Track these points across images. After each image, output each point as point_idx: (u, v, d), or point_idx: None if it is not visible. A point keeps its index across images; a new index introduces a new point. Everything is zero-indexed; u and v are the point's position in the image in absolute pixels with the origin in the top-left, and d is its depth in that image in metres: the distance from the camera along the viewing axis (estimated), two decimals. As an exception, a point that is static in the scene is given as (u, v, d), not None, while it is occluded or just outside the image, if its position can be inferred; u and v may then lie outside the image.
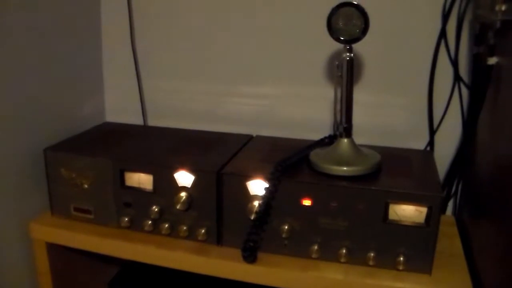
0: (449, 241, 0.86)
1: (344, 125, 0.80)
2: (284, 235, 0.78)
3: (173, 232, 0.85)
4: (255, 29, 1.04)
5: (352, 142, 0.81)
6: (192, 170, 0.82)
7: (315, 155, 0.83)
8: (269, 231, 0.80)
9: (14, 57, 0.90)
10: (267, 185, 0.77)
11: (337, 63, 0.80)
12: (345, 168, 0.78)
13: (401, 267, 0.75)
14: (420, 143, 0.98)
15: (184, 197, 0.82)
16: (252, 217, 0.78)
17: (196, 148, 0.93)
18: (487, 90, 0.81)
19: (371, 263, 0.76)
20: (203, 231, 0.83)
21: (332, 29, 0.75)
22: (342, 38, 0.76)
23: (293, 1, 1.00)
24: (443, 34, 0.93)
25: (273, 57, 1.04)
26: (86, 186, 0.89)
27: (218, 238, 0.84)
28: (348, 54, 0.77)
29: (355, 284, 0.75)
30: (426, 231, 0.73)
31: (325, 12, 0.75)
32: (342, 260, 0.77)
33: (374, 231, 0.75)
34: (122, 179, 0.86)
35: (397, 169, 0.82)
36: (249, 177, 0.79)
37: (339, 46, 0.77)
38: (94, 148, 0.93)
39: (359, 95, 0.90)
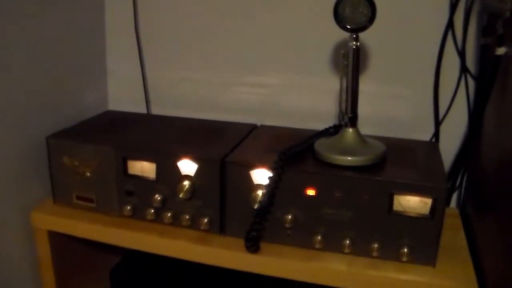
0: (453, 233, 0.85)
1: (349, 115, 0.80)
2: (287, 225, 0.78)
3: (175, 221, 0.85)
4: (260, 17, 1.03)
5: (357, 132, 0.81)
6: (195, 159, 0.81)
7: (320, 145, 0.82)
8: (272, 221, 0.79)
9: (17, 46, 0.89)
10: (271, 175, 0.76)
11: (343, 52, 0.79)
12: (349, 158, 0.77)
13: (405, 259, 0.74)
14: (425, 135, 0.98)
15: (187, 186, 0.81)
16: (256, 207, 0.77)
17: (200, 137, 0.93)
18: (494, 81, 0.80)
19: (374, 254, 0.75)
20: (206, 220, 0.82)
21: (338, 17, 0.74)
22: (348, 27, 0.75)
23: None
24: (450, 25, 0.92)
25: (278, 46, 1.03)
26: (88, 174, 0.89)
27: (221, 227, 0.83)
28: (354, 43, 0.76)
29: (358, 275, 0.75)
30: (430, 223, 0.73)
31: (332, 0, 0.74)
32: (346, 251, 0.76)
33: (378, 222, 0.75)
34: (125, 168, 0.86)
35: (402, 160, 0.81)
36: (253, 166, 0.78)
37: (345, 34, 0.76)
38: (96, 136, 0.92)
39: (364, 85, 0.90)
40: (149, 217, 0.85)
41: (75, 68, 1.05)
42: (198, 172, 0.81)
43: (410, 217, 0.73)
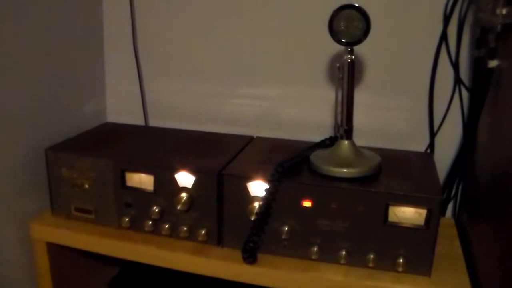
0: (449, 243, 0.86)
1: (344, 127, 0.81)
2: (284, 236, 0.79)
3: (173, 233, 0.85)
4: (257, 30, 1.04)
5: (353, 144, 0.82)
6: (192, 171, 0.82)
7: (316, 157, 0.83)
8: (269, 232, 0.80)
9: (16, 57, 0.90)
10: (267, 187, 0.77)
11: (338, 65, 0.80)
12: (345, 170, 0.78)
13: (400, 269, 0.75)
14: (420, 146, 0.99)
15: (184, 198, 0.82)
16: (252, 218, 0.78)
17: (197, 149, 0.93)
18: (488, 93, 0.81)
19: (370, 264, 0.76)
20: (203, 232, 0.83)
21: (333, 31, 0.76)
22: (343, 40, 0.76)
23: (294, 3, 1.00)
24: (444, 37, 0.93)
25: (274, 59, 1.04)
26: (87, 186, 0.89)
27: (218, 239, 0.84)
28: (349, 56, 0.77)
29: (354, 286, 0.75)
30: (425, 233, 0.73)
31: (327, 14, 0.75)
32: (342, 261, 0.77)
33: (374, 233, 0.75)
34: (123, 180, 0.86)
35: (397, 171, 0.82)
36: (249, 178, 0.79)
37: (340, 48, 0.77)
38: (95, 148, 0.93)
39: (360, 97, 0.90)
40: (147, 228, 0.86)
41: (74, 81, 1.06)
42: (195, 184, 0.82)
43: (406, 227, 0.74)
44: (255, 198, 0.79)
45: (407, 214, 0.74)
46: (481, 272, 0.75)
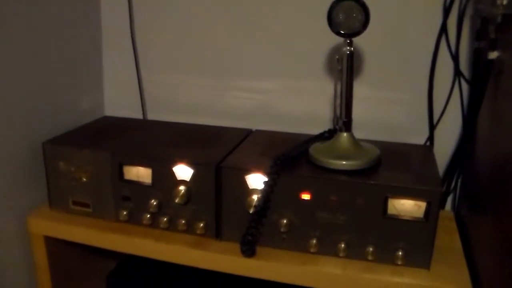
0: (448, 236, 0.86)
1: (343, 119, 0.80)
2: (283, 229, 0.78)
3: (171, 226, 0.85)
4: (255, 22, 1.03)
5: (352, 137, 0.81)
6: (191, 164, 0.81)
7: (315, 149, 0.83)
8: (268, 225, 0.80)
9: (14, 50, 0.89)
10: (266, 179, 0.77)
11: (337, 57, 0.80)
12: (344, 162, 0.77)
13: (399, 262, 0.75)
14: (420, 138, 0.98)
15: (182, 191, 0.82)
16: (251, 211, 0.78)
17: (195, 142, 0.93)
18: (488, 85, 0.81)
19: (370, 257, 0.76)
20: (201, 225, 0.83)
21: (332, 23, 0.75)
22: (342, 32, 0.75)
23: (293, -5, 1.00)
24: (444, 29, 0.92)
25: (273, 51, 1.04)
26: (84, 179, 0.89)
27: (216, 232, 0.84)
28: (348, 48, 0.77)
29: (353, 279, 0.75)
30: (425, 226, 0.73)
31: (326, 6, 0.74)
32: (341, 254, 0.77)
33: (373, 226, 0.75)
34: (121, 173, 0.86)
35: (397, 164, 0.82)
36: (248, 171, 0.79)
37: (339, 40, 0.77)
38: (93, 141, 0.92)
39: (359, 89, 0.90)
40: (145, 222, 0.85)
41: (72, 74, 1.05)
42: (193, 177, 0.82)
43: (405, 220, 0.74)
44: (253, 191, 0.79)
45: (407, 206, 0.73)
46: (481, 265, 0.75)
